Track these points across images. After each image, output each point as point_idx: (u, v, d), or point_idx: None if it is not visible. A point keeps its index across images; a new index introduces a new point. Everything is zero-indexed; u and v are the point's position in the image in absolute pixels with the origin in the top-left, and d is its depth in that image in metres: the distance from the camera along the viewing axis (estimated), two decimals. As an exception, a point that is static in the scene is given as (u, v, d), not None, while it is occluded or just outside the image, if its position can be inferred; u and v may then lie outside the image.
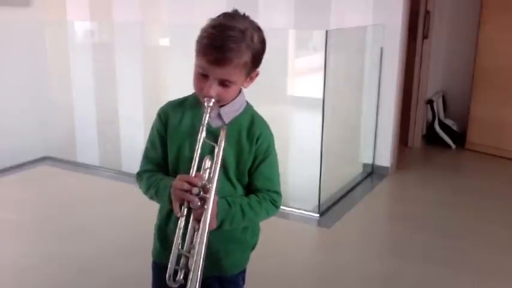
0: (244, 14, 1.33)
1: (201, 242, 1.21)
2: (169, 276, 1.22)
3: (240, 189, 1.43)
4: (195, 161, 1.29)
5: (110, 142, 4.44)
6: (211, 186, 1.26)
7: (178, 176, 1.30)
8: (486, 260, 2.84)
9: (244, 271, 1.55)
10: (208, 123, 1.32)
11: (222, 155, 1.32)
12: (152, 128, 1.47)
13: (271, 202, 1.43)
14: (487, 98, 4.67)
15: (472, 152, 4.81)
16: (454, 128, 5.10)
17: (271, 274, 2.68)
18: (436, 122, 5.05)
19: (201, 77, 1.31)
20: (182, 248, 1.26)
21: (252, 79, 1.38)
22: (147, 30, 4.37)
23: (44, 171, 4.28)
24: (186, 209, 1.26)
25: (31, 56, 4.35)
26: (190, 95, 1.45)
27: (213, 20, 1.30)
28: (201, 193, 1.25)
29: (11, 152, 4.20)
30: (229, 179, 1.39)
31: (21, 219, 3.34)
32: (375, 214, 3.59)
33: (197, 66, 1.31)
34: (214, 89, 1.30)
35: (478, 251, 2.95)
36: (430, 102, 5.02)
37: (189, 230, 1.27)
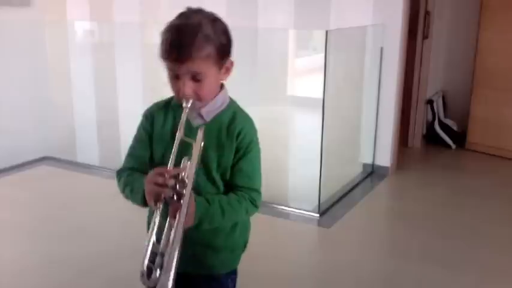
0: (198, 9, 1.33)
1: (176, 240, 1.15)
2: (142, 274, 1.15)
3: (222, 189, 1.40)
4: (172, 156, 1.26)
5: (110, 142, 4.44)
6: (188, 183, 1.23)
7: (154, 169, 1.27)
8: (486, 260, 2.84)
9: (234, 273, 1.50)
10: (189, 122, 1.34)
11: (203, 155, 1.30)
12: (139, 128, 1.48)
13: (250, 201, 1.38)
14: (487, 98, 4.67)
15: (472, 152, 4.81)
16: (454, 128, 5.10)
17: (271, 274, 2.68)
18: (436, 122, 5.05)
19: (175, 79, 1.32)
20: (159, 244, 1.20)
21: (228, 70, 1.37)
22: (147, 30, 4.37)
23: (44, 171, 4.28)
24: (161, 203, 1.21)
25: (31, 56, 4.35)
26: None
27: (168, 23, 1.31)
28: (177, 187, 1.22)
29: (11, 152, 4.21)
30: (211, 179, 1.37)
31: (21, 219, 3.34)
32: (374, 214, 3.59)
33: (167, 69, 1.32)
34: (189, 86, 1.30)
35: (478, 251, 2.95)
36: (430, 102, 5.02)
37: (166, 227, 1.22)
